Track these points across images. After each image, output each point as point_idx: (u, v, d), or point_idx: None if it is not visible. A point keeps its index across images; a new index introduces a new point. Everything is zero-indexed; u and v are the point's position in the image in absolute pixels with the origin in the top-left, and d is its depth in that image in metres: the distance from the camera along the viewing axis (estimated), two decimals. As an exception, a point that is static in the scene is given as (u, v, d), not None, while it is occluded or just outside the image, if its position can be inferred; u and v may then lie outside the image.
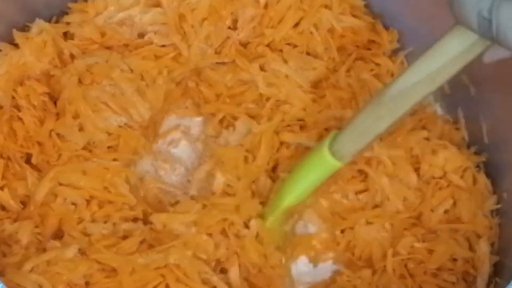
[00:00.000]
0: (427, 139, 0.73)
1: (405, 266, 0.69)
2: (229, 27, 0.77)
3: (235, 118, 0.73)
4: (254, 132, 0.72)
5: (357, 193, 0.72)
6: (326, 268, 0.71)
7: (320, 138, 0.71)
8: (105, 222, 0.67)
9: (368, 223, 0.70)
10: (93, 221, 0.67)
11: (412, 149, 0.72)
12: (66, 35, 0.76)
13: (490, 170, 0.74)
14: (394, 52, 0.79)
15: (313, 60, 0.76)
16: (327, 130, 0.72)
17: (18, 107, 0.71)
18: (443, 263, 0.68)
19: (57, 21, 0.77)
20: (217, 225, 0.67)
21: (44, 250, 0.65)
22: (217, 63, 0.77)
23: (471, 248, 0.70)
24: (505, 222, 0.71)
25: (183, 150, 0.75)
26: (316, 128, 0.73)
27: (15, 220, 0.67)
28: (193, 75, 0.76)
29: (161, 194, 0.72)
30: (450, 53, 0.53)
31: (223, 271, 0.67)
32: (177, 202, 0.71)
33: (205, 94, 0.75)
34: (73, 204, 0.68)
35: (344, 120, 0.71)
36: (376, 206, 0.71)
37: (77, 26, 0.75)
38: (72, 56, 0.75)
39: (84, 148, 0.70)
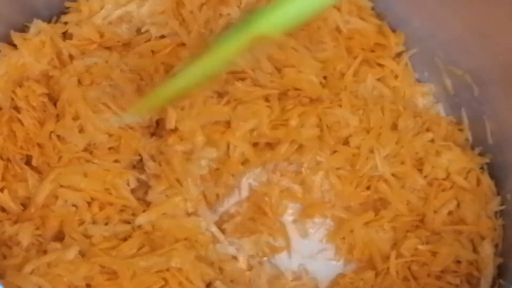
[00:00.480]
0: (432, 141, 0.73)
1: (409, 268, 0.68)
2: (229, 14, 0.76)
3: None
4: None
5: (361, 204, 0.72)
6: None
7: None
8: (106, 224, 0.67)
9: (368, 224, 0.70)
10: (94, 222, 0.67)
11: (417, 153, 0.72)
12: (65, 35, 0.76)
13: (494, 171, 0.74)
14: (398, 54, 0.79)
15: (322, 43, 0.75)
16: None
17: (17, 109, 0.71)
18: (447, 265, 0.68)
19: (57, 21, 0.76)
20: None
21: (45, 252, 0.64)
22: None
23: (475, 250, 0.70)
24: (509, 224, 0.71)
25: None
26: None
27: (16, 222, 0.66)
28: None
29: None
30: None
31: None
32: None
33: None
34: (74, 206, 0.67)
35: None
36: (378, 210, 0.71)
37: (75, 26, 0.75)
38: (71, 57, 0.74)
39: (85, 149, 0.70)
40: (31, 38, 0.72)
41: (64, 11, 0.76)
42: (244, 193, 0.73)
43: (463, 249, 0.69)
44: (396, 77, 0.77)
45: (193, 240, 0.67)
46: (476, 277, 0.69)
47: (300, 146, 0.72)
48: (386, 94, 0.75)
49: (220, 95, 0.72)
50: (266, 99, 0.72)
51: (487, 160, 0.74)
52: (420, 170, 0.72)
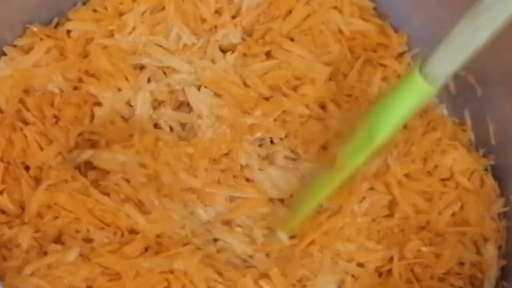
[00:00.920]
0: (439, 140, 0.72)
1: (412, 270, 0.68)
2: (233, 16, 0.76)
3: None
4: None
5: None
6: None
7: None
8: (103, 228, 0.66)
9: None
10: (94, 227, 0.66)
11: (426, 153, 0.72)
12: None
13: (497, 172, 0.73)
14: (400, 53, 0.78)
15: (326, 47, 0.75)
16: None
17: (22, 118, 0.70)
18: (450, 267, 0.68)
19: (57, 24, 0.75)
20: None
21: (45, 253, 0.64)
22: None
23: (478, 252, 0.69)
24: (513, 226, 0.71)
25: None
26: None
27: (15, 225, 0.66)
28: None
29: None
30: None
31: None
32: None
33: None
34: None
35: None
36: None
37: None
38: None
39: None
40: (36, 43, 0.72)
41: (63, 12, 0.75)
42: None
43: (467, 251, 0.69)
44: (398, 77, 0.76)
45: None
46: (479, 279, 0.68)
47: None
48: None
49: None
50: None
51: (492, 162, 0.73)
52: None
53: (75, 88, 0.72)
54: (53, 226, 0.65)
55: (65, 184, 0.66)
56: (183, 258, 0.64)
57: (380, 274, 0.68)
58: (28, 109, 0.70)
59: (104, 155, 0.69)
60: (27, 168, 0.68)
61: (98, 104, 0.72)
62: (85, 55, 0.73)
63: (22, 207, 0.67)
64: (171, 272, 0.64)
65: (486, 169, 0.73)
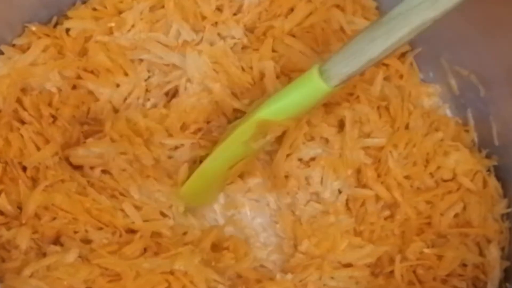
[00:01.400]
0: (441, 141, 0.72)
1: (414, 272, 0.68)
2: (234, 13, 0.76)
3: None
4: None
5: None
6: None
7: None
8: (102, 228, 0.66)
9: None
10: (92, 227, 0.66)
11: (428, 154, 0.71)
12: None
13: (500, 173, 0.73)
14: (403, 53, 0.78)
15: (328, 45, 0.75)
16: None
17: (19, 117, 0.69)
18: (453, 269, 0.67)
19: (57, 23, 0.74)
20: None
21: (44, 255, 0.64)
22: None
23: (481, 253, 0.69)
24: (516, 227, 0.71)
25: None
26: None
27: (13, 226, 0.65)
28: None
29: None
30: None
31: None
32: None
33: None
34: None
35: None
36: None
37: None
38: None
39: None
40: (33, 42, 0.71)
41: (63, 11, 0.75)
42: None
43: (469, 252, 0.68)
44: (401, 76, 0.76)
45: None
46: (482, 280, 0.68)
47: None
48: (394, 93, 0.74)
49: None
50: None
51: (495, 163, 0.73)
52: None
53: (74, 87, 0.72)
54: (51, 227, 0.65)
55: (62, 184, 0.66)
56: (184, 258, 0.63)
57: (375, 274, 0.68)
58: (25, 109, 0.69)
59: (80, 152, 0.68)
60: (24, 168, 0.68)
61: (96, 101, 0.72)
62: (83, 53, 0.73)
63: (20, 208, 0.67)
64: (172, 272, 0.63)
65: (489, 170, 0.73)
